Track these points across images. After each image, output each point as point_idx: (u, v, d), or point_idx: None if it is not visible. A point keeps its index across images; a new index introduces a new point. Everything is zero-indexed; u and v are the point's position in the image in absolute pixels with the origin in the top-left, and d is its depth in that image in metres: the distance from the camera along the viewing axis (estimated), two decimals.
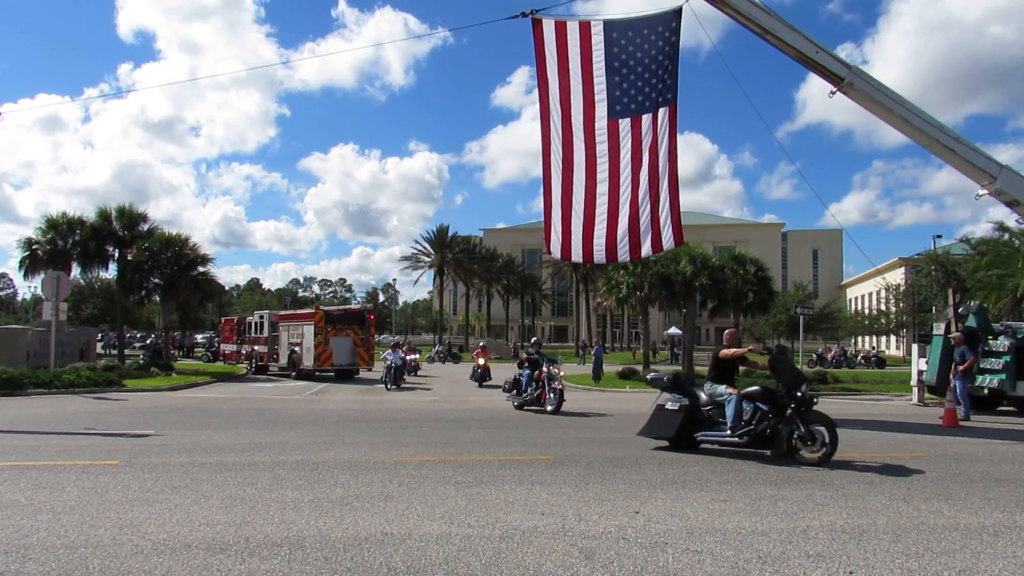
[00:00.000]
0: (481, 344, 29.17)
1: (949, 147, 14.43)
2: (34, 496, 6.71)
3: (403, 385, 23.86)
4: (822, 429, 9.06)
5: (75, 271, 30.84)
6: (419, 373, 32.34)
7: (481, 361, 26.17)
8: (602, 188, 15.67)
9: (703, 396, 10.07)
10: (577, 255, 16.53)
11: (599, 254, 16.14)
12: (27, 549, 5.06)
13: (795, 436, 9.08)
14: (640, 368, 28.28)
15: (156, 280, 29.82)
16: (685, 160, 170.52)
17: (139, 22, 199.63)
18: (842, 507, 6.68)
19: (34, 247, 28.74)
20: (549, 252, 17.05)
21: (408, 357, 29.40)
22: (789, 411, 9.13)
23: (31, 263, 28.66)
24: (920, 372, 18.84)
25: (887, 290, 53.43)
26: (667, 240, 15.68)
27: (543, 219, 16.44)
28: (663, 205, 15.42)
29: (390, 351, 24.35)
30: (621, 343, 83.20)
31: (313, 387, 23.65)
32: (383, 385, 23.34)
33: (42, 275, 24.51)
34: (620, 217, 15.67)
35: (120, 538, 5.37)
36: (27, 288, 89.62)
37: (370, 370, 28.79)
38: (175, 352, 44.28)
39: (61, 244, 28.68)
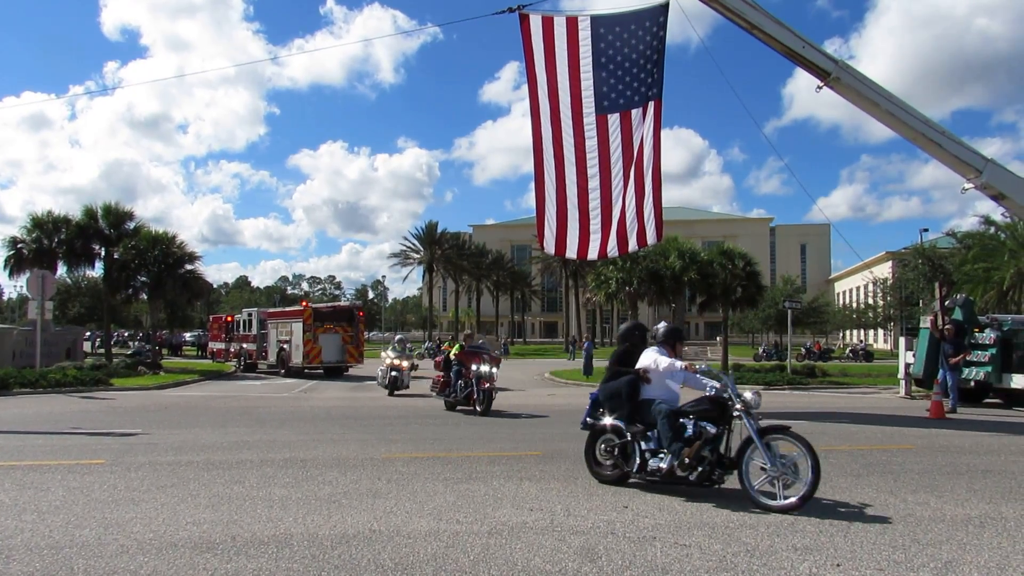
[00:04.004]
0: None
1: (935, 141, 14.50)
2: (18, 496, 6.65)
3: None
4: None
5: (61, 270, 30.64)
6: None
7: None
8: (593, 183, 15.64)
9: None
10: (572, 251, 16.35)
11: (593, 250, 16.08)
12: (11, 550, 5.00)
13: None
14: None
15: (143, 279, 29.53)
16: (674, 155, 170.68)
17: (124, 19, 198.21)
18: (829, 500, 6.71)
19: (19, 246, 28.49)
20: (543, 249, 16.93)
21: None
22: None
23: (16, 262, 28.41)
24: (907, 365, 18.98)
25: (874, 284, 53.82)
26: (651, 235, 15.64)
27: (536, 216, 16.33)
28: (647, 200, 15.42)
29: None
30: (611, 338, 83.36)
31: (302, 384, 23.56)
32: None
33: (27, 274, 24.25)
34: (613, 212, 15.62)
35: (105, 538, 5.32)
36: (13, 287, 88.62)
37: (360, 365, 28.58)
38: (163, 350, 43.92)
39: (47, 243, 28.45)
